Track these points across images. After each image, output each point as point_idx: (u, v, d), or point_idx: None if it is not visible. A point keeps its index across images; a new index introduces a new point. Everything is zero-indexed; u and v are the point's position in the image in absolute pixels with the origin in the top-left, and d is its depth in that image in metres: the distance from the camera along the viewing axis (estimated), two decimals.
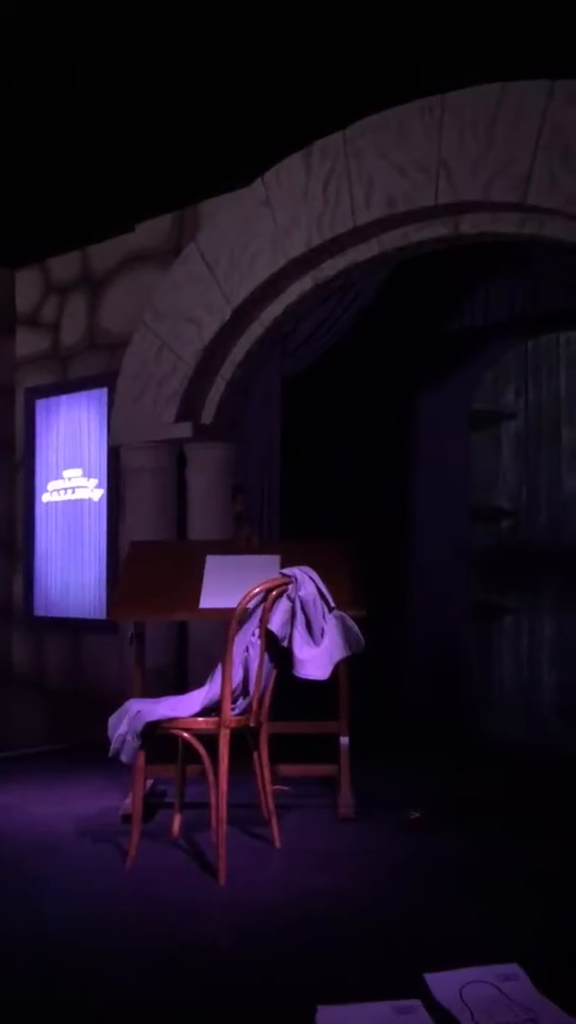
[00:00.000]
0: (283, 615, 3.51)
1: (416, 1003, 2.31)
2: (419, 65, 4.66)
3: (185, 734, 3.42)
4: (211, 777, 3.37)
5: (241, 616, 3.45)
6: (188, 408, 5.84)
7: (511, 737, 5.40)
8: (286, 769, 4.20)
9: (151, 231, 6.32)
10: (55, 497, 6.86)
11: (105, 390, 6.46)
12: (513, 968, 2.48)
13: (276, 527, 5.65)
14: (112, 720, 3.53)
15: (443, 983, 2.39)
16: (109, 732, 3.52)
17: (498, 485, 5.72)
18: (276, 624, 3.49)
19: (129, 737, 3.43)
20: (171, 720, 3.43)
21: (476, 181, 4.74)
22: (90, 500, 6.64)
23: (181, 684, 5.40)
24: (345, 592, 3.87)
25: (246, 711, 3.49)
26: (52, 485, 6.89)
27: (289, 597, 3.52)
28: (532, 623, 5.58)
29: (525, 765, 4.93)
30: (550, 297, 5.18)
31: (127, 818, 3.73)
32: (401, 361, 6.16)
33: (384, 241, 5.26)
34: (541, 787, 4.54)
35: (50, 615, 6.81)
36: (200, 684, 3.69)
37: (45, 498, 6.92)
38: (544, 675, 5.53)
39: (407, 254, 5.30)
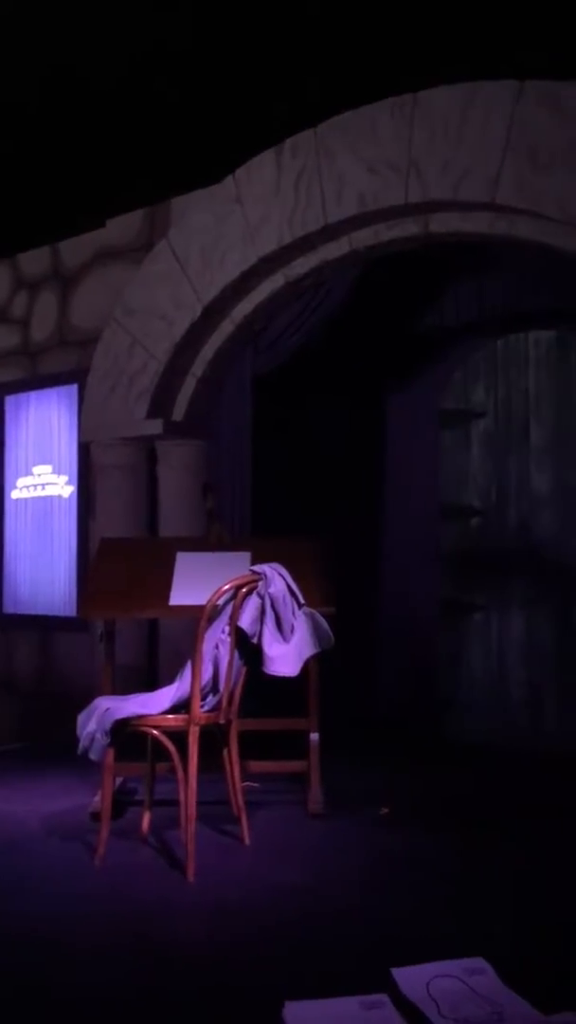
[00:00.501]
0: (253, 612, 3.51)
1: (383, 998, 2.32)
2: (390, 63, 4.68)
3: (154, 731, 3.41)
4: (180, 774, 3.37)
5: (211, 613, 3.45)
6: (159, 405, 5.82)
7: (480, 734, 5.43)
8: (256, 766, 4.20)
9: (122, 227, 6.29)
10: (24, 494, 6.81)
11: (75, 386, 6.42)
12: (479, 962, 2.50)
13: (247, 524, 5.65)
14: (81, 718, 3.52)
15: (410, 978, 2.41)
16: (78, 730, 3.50)
17: (468, 483, 5.76)
18: (246, 621, 3.49)
19: (98, 735, 3.42)
20: (140, 717, 3.42)
21: (446, 180, 4.76)
22: (60, 497, 6.60)
23: (152, 682, 5.38)
24: (315, 589, 3.87)
25: (216, 708, 3.49)
26: (21, 482, 6.84)
27: (259, 594, 3.52)
28: (501, 621, 5.62)
29: (494, 762, 4.97)
30: (519, 297, 5.22)
31: (96, 816, 3.72)
32: (372, 359, 6.18)
33: (355, 239, 5.27)
34: (510, 784, 4.58)
35: (19, 612, 6.76)
36: (170, 681, 3.68)
37: (14, 495, 6.87)
38: (512, 672, 5.57)
39: (378, 253, 5.31)
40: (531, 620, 5.52)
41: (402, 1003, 2.31)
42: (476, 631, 5.65)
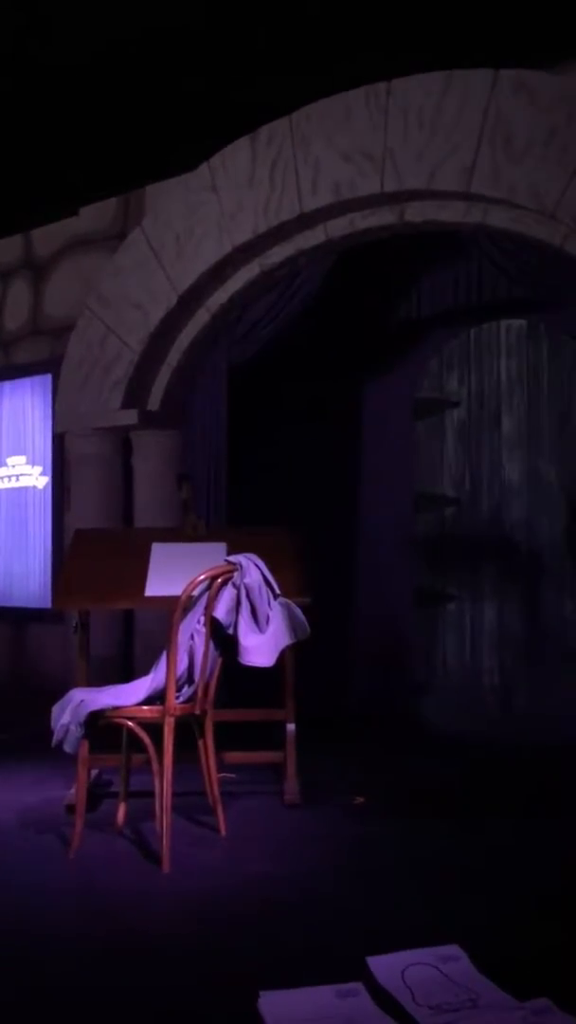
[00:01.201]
0: (228, 602, 3.50)
1: (358, 986, 2.33)
2: (365, 51, 4.66)
3: (129, 723, 3.39)
4: (156, 766, 3.35)
5: (186, 604, 3.43)
6: (134, 395, 5.79)
7: (453, 724, 5.44)
8: (232, 757, 4.19)
9: (96, 215, 6.24)
10: None
11: (49, 376, 6.38)
12: (454, 949, 2.51)
13: (223, 515, 5.63)
14: (55, 710, 3.49)
15: (385, 966, 2.41)
16: (52, 722, 3.48)
17: (442, 472, 5.75)
18: (221, 611, 3.48)
19: (72, 727, 3.39)
20: (115, 709, 3.41)
21: (421, 169, 4.76)
22: (34, 488, 6.56)
23: (127, 673, 5.36)
24: (291, 579, 3.86)
25: (191, 699, 3.48)
26: None
27: (234, 584, 3.51)
28: (474, 610, 5.63)
29: (466, 752, 4.98)
30: (494, 285, 5.22)
31: (71, 808, 3.69)
32: (348, 349, 6.17)
33: (330, 228, 5.25)
34: (483, 775, 4.60)
35: None
36: (146, 672, 3.66)
37: None
38: (483, 661, 5.58)
39: (353, 241, 5.30)
40: (502, 609, 5.54)
41: (377, 991, 2.32)
42: (450, 620, 5.66)
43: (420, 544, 5.88)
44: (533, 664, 5.41)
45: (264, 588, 3.55)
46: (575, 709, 5.10)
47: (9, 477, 6.69)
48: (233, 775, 4.30)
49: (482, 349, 5.69)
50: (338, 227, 5.23)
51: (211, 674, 3.53)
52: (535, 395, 5.51)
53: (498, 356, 5.62)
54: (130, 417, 5.77)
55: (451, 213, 4.86)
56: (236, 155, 5.37)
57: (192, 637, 3.48)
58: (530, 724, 5.24)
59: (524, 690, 5.41)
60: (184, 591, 3.39)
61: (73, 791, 3.70)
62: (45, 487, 6.50)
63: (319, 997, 2.28)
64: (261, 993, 2.27)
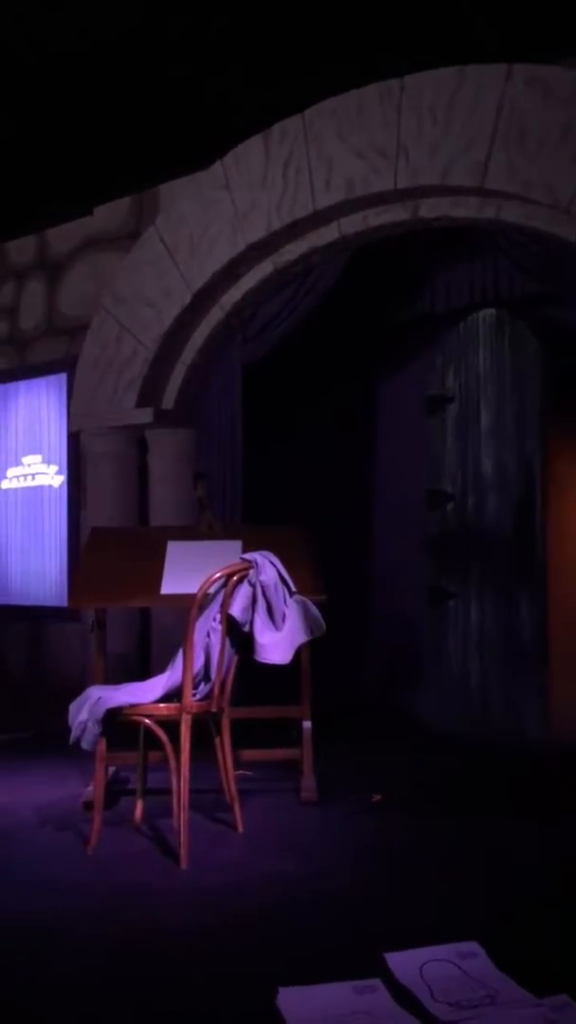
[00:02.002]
0: (244, 600, 3.50)
1: (376, 982, 2.33)
2: (378, 48, 4.65)
3: (146, 720, 3.41)
4: (173, 763, 3.37)
5: (202, 601, 3.44)
6: (149, 393, 5.80)
7: (451, 723, 5.41)
8: (248, 754, 4.20)
9: (110, 214, 6.26)
10: (14, 484, 6.79)
11: (64, 375, 6.40)
12: (473, 946, 2.51)
13: (238, 513, 5.64)
14: (73, 707, 3.51)
15: (403, 962, 2.42)
16: (70, 719, 3.50)
17: (444, 469, 5.72)
18: (237, 609, 3.48)
19: (90, 724, 3.41)
20: (132, 707, 3.42)
21: (434, 165, 4.74)
22: (50, 487, 6.58)
23: (144, 671, 5.38)
24: (306, 577, 3.87)
25: (208, 697, 3.48)
26: (11, 472, 6.82)
27: (250, 582, 3.51)
28: (463, 607, 5.58)
29: (480, 751, 4.96)
30: (509, 282, 5.20)
31: (89, 805, 3.71)
32: (362, 346, 6.16)
33: (344, 225, 5.25)
34: (498, 772, 4.59)
35: (10, 603, 6.75)
36: (162, 670, 3.67)
37: (4, 485, 6.85)
38: (470, 660, 5.52)
39: (367, 238, 5.29)
40: (483, 607, 5.49)
41: (395, 987, 2.32)
42: (451, 618, 5.63)
43: (429, 542, 5.86)
44: (502, 663, 5.37)
45: (280, 586, 3.56)
46: (538, 708, 5.08)
47: (25, 476, 6.72)
48: (250, 772, 4.31)
49: (467, 342, 5.63)
50: (352, 224, 5.22)
51: (227, 672, 3.54)
52: (502, 386, 5.46)
53: (477, 348, 5.56)
54: (145, 416, 5.78)
55: (465, 209, 4.85)
56: (249, 153, 5.37)
57: (208, 635, 3.49)
58: (503, 724, 5.20)
59: (499, 690, 5.36)
60: (200, 589, 3.40)
61: (91, 788, 3.72)
62: (61, 486, 6.52)
63: (337, 993, 2.29)
64: (279, 989, 2.28)
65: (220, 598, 3.47)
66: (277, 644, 3.50)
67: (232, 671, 3.56)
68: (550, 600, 5.24)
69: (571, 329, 5.29)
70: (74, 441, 6.31)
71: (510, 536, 5.38)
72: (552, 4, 4.34)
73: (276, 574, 3.55)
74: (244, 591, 3.50)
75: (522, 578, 5.30)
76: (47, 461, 6.60)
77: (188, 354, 5.81)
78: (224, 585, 3.46)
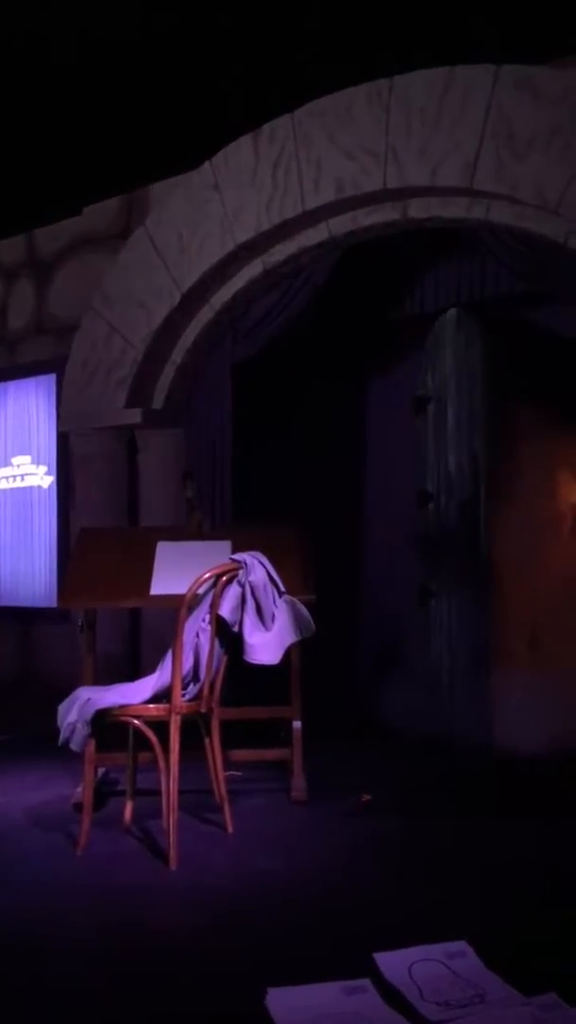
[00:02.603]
0: (233, 600, 3.50)
1: (365, 982, 2.33)
2: (367, 48, 4.65)
3: (135, 721, 3.40)
4: (162, 764, 3.36)
5: (191, 602, 3.44)
6: (138, 393, 5.80)
7: (435, 723, 5.38)
8: (238, 755, 4.20)
9: (99, 214, 6.24)
10: (3, 485, 6.77)
11: (54, 376, 6.39)
12: (461, 945, 2.51)
13: (228, 513, 5.63)
14: (62, 708, 3.50)
15: (392, 962, 2.42)
16: (59, 720, 3.49)
17: (427, 469, 5.72)
18: (226, 609, 3.48)
19: (79, 725, 3.40)
20: (121, 707, 3.42)
21: (424, 166, 4.75)
22: (39, 487, 6.57)
23: (134, 672, 5.37)
24: (296, 577, 3.87)
25: (197, 697, 3.48)
26: (1, 472, 6.80)
27: (239, 582, 3.51)
28: (439, 607, 5.57)
29: (455, 753, 4.94)
30: (496, 282, 5.21)
31: (78, 806, 3.70)
32: (352, 346, 6.16)
33: (333, 226, 5.25)
34: (491, 773, 4.59)
35: (0, 604, 6.73)
36: (152, 671, 3.67)
37: None
38: (443, 660, 5.50)
39: (356, 239, 5.30)
40: (451, 606, 5.48)
41: (385, 987, 2.33)
42: (432, 617, 5.62)
43: (415, 541, 5.86)
44: (462, 664, 5.37)
45: (269, 586, 3.56)
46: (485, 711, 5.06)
47: (14, 476, 6.71)
48: (239, 773, 4.31)
49: (436, 340, 5.62)
50: (341, 224, 5.22)
51: (217, 672, 3.54)
52: (460, 387, 5.47)
53: (443, 347, 5.57)
54: (134, 416, 5.77)
55: (454, 210, 4.86)
56: (239, 153, 5.36)
57: (197, 635, 3.49)
58: (465, 725, 5.16)
59: (463, 691, 5.34)
60: (189, 589, 3.40)
61: (80, 789, 3.71)
62: (50, 486, 6.51)
63: (326, 993, 2.29)
64: (268, 990, 2.28)
65: (209, 598, 3.47)
66: (266, 644, 3.50)
67: (221, 671, 3.56)
68: (493, 600, 5.25)
69: (538, 330, 5.30)
70: (63, 441, 6.30)
71: (463, 537, 5.40)
72: (541, 5, 4.36)
73: (265, 574, 3.56)
74: (233, 591, 3.50)
75: (470, 578, 5.32)
76: (36, 462, 6.59)
77: (178, 354, 5.80)
78: (213, 585, 3.45)
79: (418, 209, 4.97)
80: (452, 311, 5.45)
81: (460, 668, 5.38)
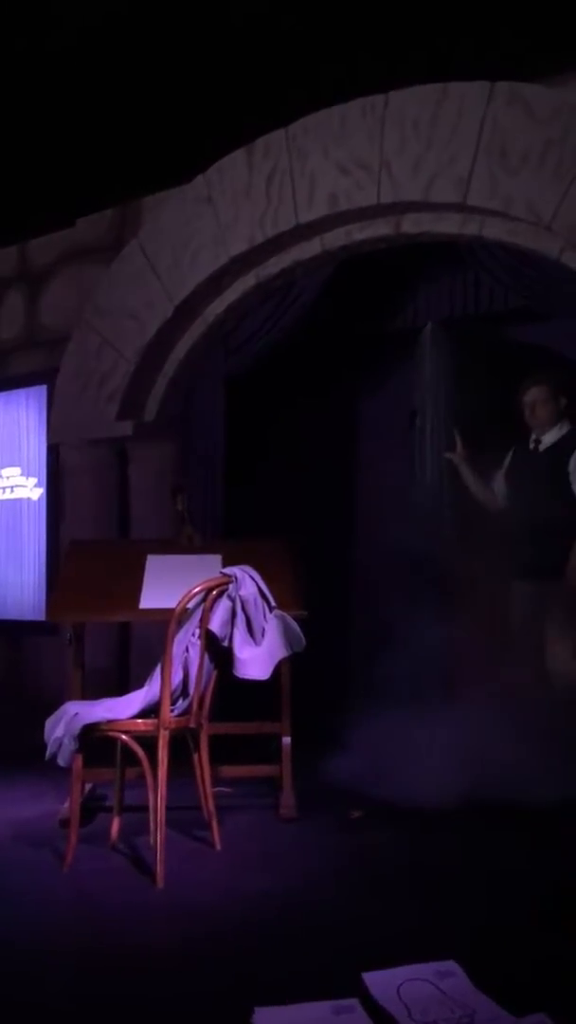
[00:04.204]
0: (223, 615, 3.48)
1: (354, 1002, 2.30)
2: (362, 63, 4.67)
3: (124, 736, 3.37)
4: (150, 779, 3.33)
5: (181, 616, 3.41)
6: (130, 406, 5.78)
7: None
8: (227, 771, 4.17)
9: (92, 226, 6.24)
10: None
11: (44, 387, 6.36)
12: (451, 965, 2.48)
13: (219, 527, 5.61)
14: (49, 723, 3.47)
15: (381, 981, 2.39)
16: (46, 735, 3.45)
17: (418, 483, 5.72)
18: (216, 624, 3.46)
19: (66, 740, 3.37)
20: (109, 722, 3.38)
21: (417, 181, 4.76)
22: (29, 499, 6.53)
23: (123, 686, 5.32)
24: (286, 592, 3.85)
25: (186, 712, 3.45)
26: None
27: (229, 596, 3.49)
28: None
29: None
30: (491, 297, 5.22)
31: (65, 823, 3.66)
32: (346, 360, 6.16)
33: (327, 240, 5.26)
34: (482, 789, 4.56)
35: None
36: (141, 685, 3.64)
37: None
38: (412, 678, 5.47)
39: (350, 253, 5.30)
40: (425, 623, 5.46)
41: (373, 1007, 2.29)
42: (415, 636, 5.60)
43: (406, 557, 5.83)
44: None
45: (260, 600, 3.54)
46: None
47: (3, 488, 6.67)
48: (228, 789, 4.27)
49: (424, 351, 5.66)
50: (335, 239, 5.23)
51: (206, 687, 3.51)
52: (437, 402, 5.51)
53: (424, 363, 5.62)
54: (126, 428, 5.75)
55: (447, 225, 4.87)
56: (232, 167, 5.37)
57: (187, 650, 3.46)
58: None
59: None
60: (179, 603, 3.38)
61: (67, 805, 3.67)
62: (40, 499, 6.47)
63: (314, 1013, 2.26)
64: (255, 1009, 2.25)
65: (199, 613, 3.45)
66: (256, 659, 3.48)
67: (211, 686, 3.53)
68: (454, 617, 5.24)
69: (523, 347, 5.33)
70: (54, 453, 6.27)
71: (425, 554, 5.39)
72: (534, 23, 4.38)
73: (256, 588, 3.53)
74: (223, 606, 3.48)
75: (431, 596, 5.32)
76: (26, 474, 6.56)
77: (170, 367, 5.79)
78: (203, 599, 3.43)
79: (411, 224, 4.98)
80: (428, 327, 5.49)
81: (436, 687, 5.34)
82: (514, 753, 4.45)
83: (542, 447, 4.78)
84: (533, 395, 4.71)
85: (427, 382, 5.53)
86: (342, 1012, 2.27)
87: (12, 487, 6.61)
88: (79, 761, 3.41)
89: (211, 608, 3.44)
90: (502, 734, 4.83)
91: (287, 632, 3.57)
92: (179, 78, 4.76)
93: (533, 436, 4.82)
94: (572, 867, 3.32)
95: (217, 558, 4.13)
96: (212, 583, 3.45)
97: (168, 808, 3.33)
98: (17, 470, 6.60)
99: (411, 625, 5.55)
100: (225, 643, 3.48)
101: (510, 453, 4.95)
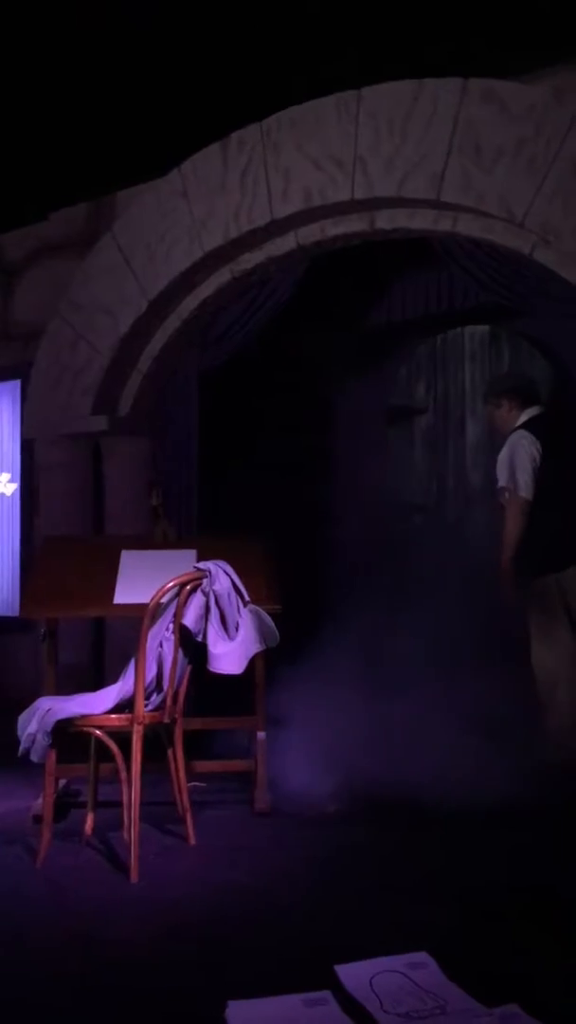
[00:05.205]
0: (197, 610, 3.48)
1: (326, 995, 2.31)
2: (336, 59, 4.67)
3: (97, 731, 3.37)
4: (124, 775, 3.33)
5: (155, 611, 3.41)
6: (104, 401, 5.75)
7: None
8: (201, 765, 4.17)
9: (65, 220, 6.20)
10: None
11: (18, 382, 6.31)
12: (423, 956, 2.50)
13: (194, 522, 5.60)
14: (21, 719, 3.45)
15: (353, 974, 2.40)
16: (19, 731, 3.44)
17: (411, 480, 5.75)
18: (190, 619, 3.46)
19: (39, 736, 3.36)
20: (83, 717, 3.38)
21: (391, 177, 4.77)
22: (3, 495, 6.49)
23: (98, 682, 5.29)
24: (261, 586, 3.85)
25: (160, 707, 3.45)
26: None
27: (203, 591, 3.49)
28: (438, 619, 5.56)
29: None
30: (464, 293, 5.24)
31: (38, 818, 3.65)
32: (320, 356, 6.17)
33: (301, 235, 5.25)
34: (453, 783, 4.58)
35: None
36: (115, 681, 3.63)
37: None
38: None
39: (324, 248, 5.30)
40: (464, 618, 5.48)
41: (345, 1000, 2.30)
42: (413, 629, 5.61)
43: (390, 552, 5.86)
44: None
45: (234, 595, 3.54)
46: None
47: None
48: (203, 784, 4.27)
49: (447, 355, 5.69)
50: (309, 234, 5.23)
51: (180, 682, 3.51)
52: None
53: (462, 362, 5.63)
54: (100, 423, 5.72)
55: (421, 221, 4.88)
56: (207, 161, 5.35)
57: (161, 645, 3.46)
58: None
59: None
60: (153, 598, 3.37)
61: (40, 801, 3.66)
62: (13, 494, 6.43)
63: (287, 1006, 2.26)
64: (229, 1003, 2.25)
65: (173, 607, 3.44)
66: (230, 654, 3.48)
67: (185, 681, 3.53)
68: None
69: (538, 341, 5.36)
70: (28, 449, 6.23)
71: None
72: (507, 20, 4.40)
73: (230, 583, 3.53)
74: (197, 600, 3.48)
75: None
76: (0, 469, 6.51)
77: (144, 362, 5.77)
78: (177, 594, 3.43)
79: (386, 220, 4.99)
80: (482, 328, 5.52)
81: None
82: (482, 750, 4.50)
83: None
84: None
85: (473, 380, 5.53)
86: (315, 1005, 2.28)
87: None
88: (52, 757, 3.40)
89: (185, 603, 3.44)
90: (474, 729, 4.87)
91: (261, 627, 3.57)
92: (154, 72, 4.75)
93: None
94: (540, 860, 3.35)
95: (192, 553, 4.13)
96: (186, 578, 3.44)
97: (142, 803, 3.32)
98: None
99: (381, 617, 5.58)
100: (199, 638, 3.47)
101: None
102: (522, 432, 4.49)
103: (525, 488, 4.40)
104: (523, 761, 4.10)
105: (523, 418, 4.57)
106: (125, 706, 3.41)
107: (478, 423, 5.56)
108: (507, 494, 4.48)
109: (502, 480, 4.49)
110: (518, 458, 4.42)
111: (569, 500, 4.53)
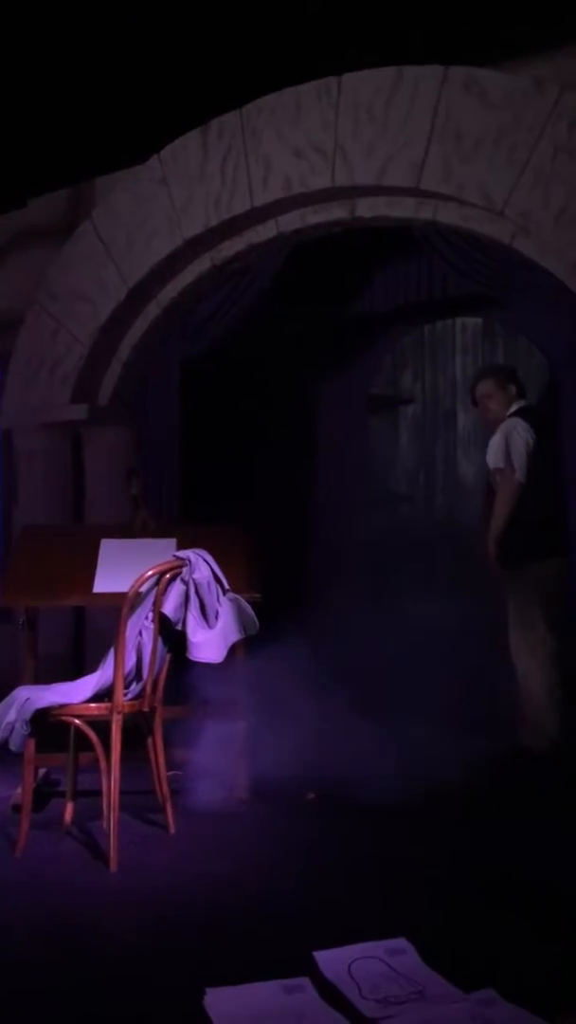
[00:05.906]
0: (177, 598, 3.47)
1: (304, 981, 2.32)
2: (316, 45, 4.65)
3: (76, 721, 3.35)
4: (103, 764, 3.32)
5: (134, 600, 3.40)
6: (84, 390, 5.72)
7: None
8: (181, 754, 4.16)
9: (44, 207, 6.16)
10: None
11: None
12: (401, 942, 2.51)
13: (174, 511, 5.58)
14: (0, 708, 3.43)
15: (332, 960, 2.41)
16: None
17: (396, 469, 5.75)
18: (170, 607, 3.45)
19: (18, 725, 3.34)
20: (62, 707, 3.36)
21: (371, 165, 4.76)
22: None
23: (78, 671, 5.26)
24: (241, 575, 3.84)
25: (139, 696, 3.44)
26: None
27: (183, 580, 3.48)
28: (427, 610, 5.57)
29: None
30: (445, 282, 5.24)
31: (17, 808, 3.63)
32: (301, 344, 6.15)
33: (282, 223, 5.24)
34: (437, 772, 4.60)
35: None
36: (94, 670, 3.62)
37: None
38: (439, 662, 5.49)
39: (305, 236, 5.29)
40: (455, 607, 5.49)
41: (323, 985, 2.31)
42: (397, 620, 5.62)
43: (374, 541, 5.87)
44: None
45: (213, 584, 3.53)
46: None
47: None
48: (182, 772, 4.26)
49: (436, 346, 5.69)
50: (289, 222, 5.21)
51: (159, 670, 3.50)
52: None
53: (453, 354, 5.63)
54: (80, 412, 5.70)
55: (401, 209, 4.87)
56: (187, 148, 5.32)
57: (140, 633, 3.45)
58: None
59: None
60: (132, 587, 3.36)
61: (19, 791, 3.64)
62: None
63: (265, 993, 2.27)
64: (207, 990, 2.26)
65: (152, 596, 3.43)
66: (210, 642, 3.47)
67: (164, 670, 3.52)
68: None
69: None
70: (6, 438, 6.20)
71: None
72: (487, 8, 4.39)
73: (210, 572, 3.53)
74: (177, 589, 3.47)
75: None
76: None
77: (124, 350, 5.74)
78: (157, 583, 3.42)
79: (366, 208, 4.99)
80: (475, 320, 5.51)
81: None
82: (457, 737, 4.52)
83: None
84: (482, 389, 4.75)
85: (465, 372, 5.55)
86: (293, 991, 2.29)
87: None
88: (31, 746, 3.38)
89: (164, 591, 3.43)
90: (452, 722, 4.88)
91: (241, 615, 3.57)
92: (133, 58, 4.71)
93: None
94: (515, 847, 3.37)
95: (172, 542, 4.11)
96: (165, 566, 3.43)
97: (122, 792, 3.32)
98: None
99: (369, 606, 5.59)
100: (179, 626, 3.47)
101: None
102: (517, 419, 4.54)
103: (521, 471, 4.45)
104: (497, 747, 4.12)
105: (514, 407, 4.61)
106: (104, 695, 3.40)
107: (469, 415, 5.56)
108: (499, 476, 4.52)
109: (497, 463, 4.52)
110: (514, 443, 4.46)
111: (553, 492, 4.56)
